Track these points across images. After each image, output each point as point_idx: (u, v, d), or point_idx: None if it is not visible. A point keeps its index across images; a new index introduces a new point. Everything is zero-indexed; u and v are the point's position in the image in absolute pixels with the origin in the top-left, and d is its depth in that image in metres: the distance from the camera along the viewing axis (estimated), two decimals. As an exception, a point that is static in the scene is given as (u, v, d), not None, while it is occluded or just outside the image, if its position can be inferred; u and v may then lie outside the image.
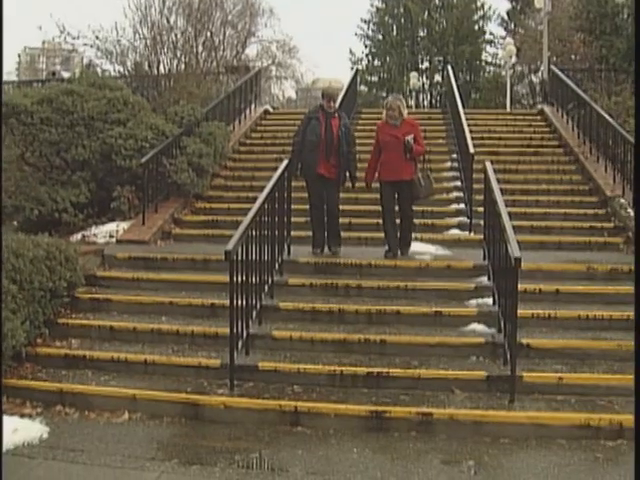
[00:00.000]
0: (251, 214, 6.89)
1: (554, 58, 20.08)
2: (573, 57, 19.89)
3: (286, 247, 8.46)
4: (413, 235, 9.68)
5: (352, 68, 32.86)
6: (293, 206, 8.99)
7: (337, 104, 9.11)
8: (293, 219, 8.87)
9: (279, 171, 8.21)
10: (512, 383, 5.80)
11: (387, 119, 8.71)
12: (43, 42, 39.66)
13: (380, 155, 8.75)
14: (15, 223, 10.87)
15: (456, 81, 15.92)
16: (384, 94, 37.31)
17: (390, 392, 5.95)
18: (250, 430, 5.60)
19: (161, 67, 18.36)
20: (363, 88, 36.71)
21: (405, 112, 8.73)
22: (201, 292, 7.80)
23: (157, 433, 5.62)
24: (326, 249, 8.91)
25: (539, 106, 16.84)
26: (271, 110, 17.55)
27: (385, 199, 8.74)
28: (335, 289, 7.65)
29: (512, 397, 5.76)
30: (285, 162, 8.64)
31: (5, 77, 24.74)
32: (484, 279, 7.73)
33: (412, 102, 35.85)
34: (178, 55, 18.90)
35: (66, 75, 19.27)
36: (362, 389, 5.97)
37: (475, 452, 5.20)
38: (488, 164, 8.56)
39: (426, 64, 39.53)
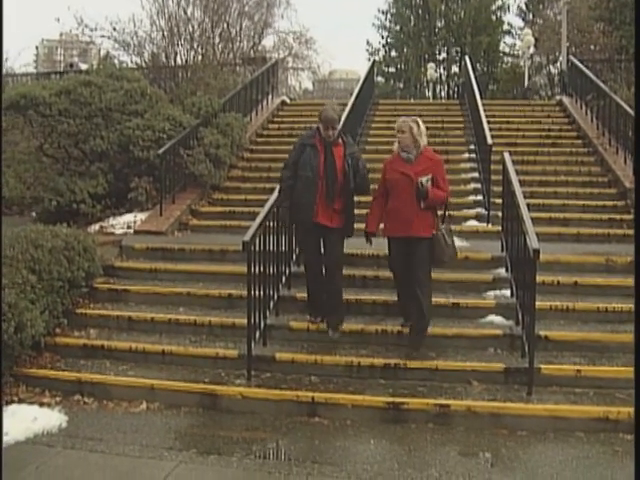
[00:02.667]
0: (268, 205, 6.91)
1: (573, 49, 19.93)
2: (592, 47, 19.74)
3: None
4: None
5: (369, 59, 32.82)
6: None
7: (338, 129, 6.71)
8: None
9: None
10: (530, 375, 5.78)
11: (399, 150, 6.57)
12: (61, 34, 39.80)
13: (387, 200, 6.59)
14: (34, 214, 10.95)
15: (474, 72, 15.82)
16: (401, 85, 37.25)
17: (407, 383, 5.95)
18: (267, 420, 5.62)
19: (178, 58, 18.43)
20: (380, 79, 36.62)
21: (423, 140, 6.44)
22: (218, 283, 7.82)
23: (175, 423, 5.65)
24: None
25: (558, 97, 16.71)
26: (288, 101, 17.52)
27: (393, 263, 6.61)
28: (352, 280, 7.63)
29: (530, 389, 5.74)
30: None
31: (23, 69, 24.91)
32: (502, 271, 7.69)
33: (429, 93, 35.71)
34: (195, 46, 18.93)
35: (84, 67, 19.32)
36: (379, 380, 5.97)
37: (492, 444, 5.19)
38: (506, 155, 8.51)
39: (443, 55, 39.34)
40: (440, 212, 6.59)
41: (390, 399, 5.62)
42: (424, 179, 6.21)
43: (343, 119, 11.34)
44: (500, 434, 5.33)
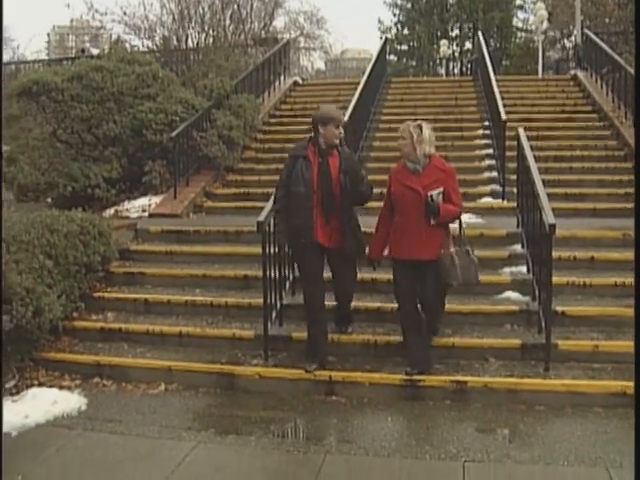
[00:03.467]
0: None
1: (587, 22, 19.68)
2: (607, 20, 19.49)
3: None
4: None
5: (381, 38, 32.56)
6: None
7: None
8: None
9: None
10: (547, 351, 5.76)
11: (404, 159, 5.74)
12: (71, 20, 39.80)
13: (392, 216, 5.79)
14: (49, 200, 11.00)
15: (487, 48, 15.67)
16: (414, 63, 37.00)
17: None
18: (285, 400, 5.65)
19: (189, 41, 18.39)
20: (392, 57, 36.37)
21: (427, 148, 5.56)
22: (234, 264, 7.83)
23: (193, 404, 5.68)
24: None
25: (572, 71, 16.52)
26: (300, 81, 17.44)
27: (399, 289, 5.81)
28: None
29: (547, 365, 5.72)
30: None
31: (35, 56, 24.98)
32: (518, 247, 7.65)
33: (442, 70, 35.44)
34: (206, 29, 18.89)
35: (95, 52, 19.33)
36: (396, 358, 5.96)
37: (510, 420, 5.19)
38: (521, 130, 8.44)
39: (456, 31, 38.97)
40: (454, 229, 5.81)
41: (407, 376, 5.62)
42: (434, 193, 5.44)
43: (356, 98, 11.33)
44: (518, 410, 5.33)
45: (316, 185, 5.76)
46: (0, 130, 7.84)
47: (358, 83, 12.61)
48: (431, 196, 5.44)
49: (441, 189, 5.49)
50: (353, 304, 6.40)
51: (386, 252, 5.87)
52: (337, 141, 5.85)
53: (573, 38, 21.38)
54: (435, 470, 4.50)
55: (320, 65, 37.64)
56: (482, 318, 6.45)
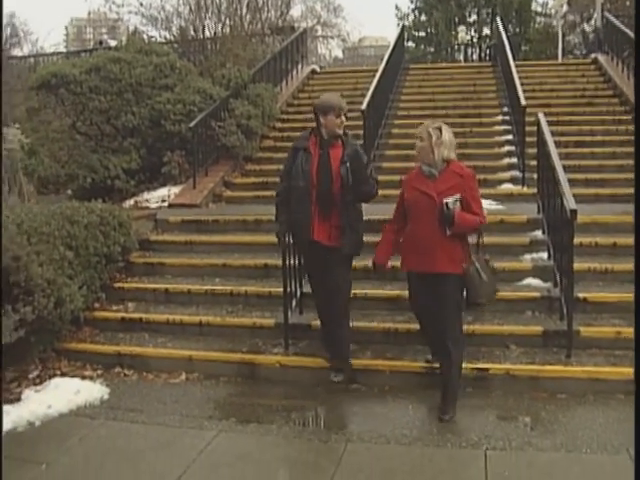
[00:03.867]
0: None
1: (607, 5, 19.44)
2: (628, 3, 19.23)
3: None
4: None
5: (398, 24, 32.36)
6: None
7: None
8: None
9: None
10: (569, 338, 5.72)
11: (420, 163, 5.25)
12: (89, 12, 40.00)
13: (404, 223, 5.32)
14: (69, 191, 11.07)
15: (505, 33, 15.53)
16: (432, 49, 36.76)
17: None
18: (306, 388, 5.65)
19: (206, 31, 18.39)
20: (410, 44, 36.13)
21: (446, 152, 5.08)
22: (254, 253, 7.83)
23: (214, 393, 5.70)
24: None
25: (592, 55, 16.34)
26: (318, 70, 17.39)
27: (414, 305, 5.46)
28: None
29: (569, 352, 5.69)
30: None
31: (53, 49, 25.07)
32: (538, 233, 7.59)
33: (461, 57, 35.17)
34: (222, 19, 18.89)
35: (113, 43, 19.39)
36: (417, 346, 5.94)
37: (532, 408, 5.16)
38: (541, 116, 8.36)
39: (474, 17, 38.57)
40: (472, 240, 5.26)
41: (428, 364, 5.60)
42: (450, 200, 4.93)
43: (374, 85, 11.28)
44: (539, 397, 5.30)
45: (315, 179, 5.42)
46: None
47: (376, 70, 12.56)
48: (446, 204, 4.92)
49: (458, 196, 4.97)
50: (373, 292, 6.35)
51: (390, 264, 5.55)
52: (339, 131, 5.46)
53: (593, 21, 21.11)
54: (456, 458, 4.48)
55: (338, 53, 37.54)
56: (503, 305, 6.41)
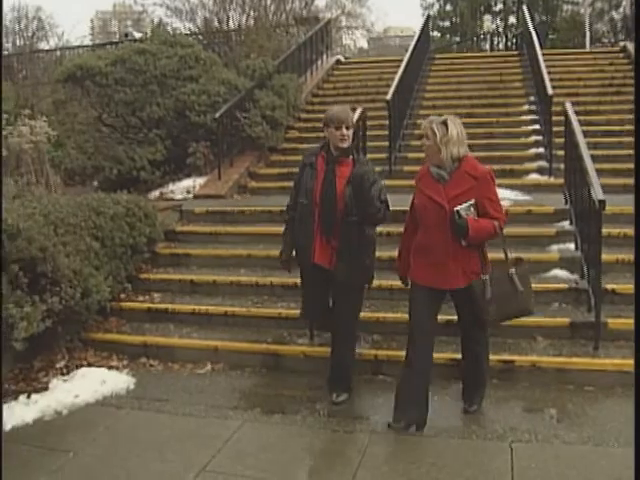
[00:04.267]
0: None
1: (637, -8, 19.13)
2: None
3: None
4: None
5: (423, 14, 32.17)
6: (370, 156, 8.89)
7: (351, 136, 5.08)
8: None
9: (355, 119, 8.11)
10: (597, 330, 5.66)
11: (428, 163, 4.71)
12: (114, 5, 40.20)
13: (414, 230, 4.82)
14: (95, 183, 11.14)
15: (532, 21, 15.37)
16: (457, 39, 36.52)
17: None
18: (330, 379, 5.64)
19: (230, 22, 18.39)
20: (435, 34, 35.91)
21: (459, 149, 4.54)
22: (279, 244, 7.77)
23: (239, 383, 5.72)
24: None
25: (621, 43, 16.12)
26: (343, 60, 17.33)
27: (417, 322, 4.76)
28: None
29: (597, 344, 5.63)
30: (359, 110, 8.46)
31: (79, 42, 25.22)
32: (566, 224, 7.52)
33: (487, 46, 34.90)
34: (247, 10, 18.87)
35: (138, 36, 19.48)
36: (442, 337, 5.89)
37: (558, 400, 5.11)
38: (568, 105, 8.27)
39: (500, 6, 38.20)
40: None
41: (453, 355, 5.57)
42: (463, 207, 4.42)
43: (399, 75, 11.21)
44: (566, 390, 5.25)
45: (319, 197, 5.04)
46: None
47: (401, 60, 12.49)
48: (458, 212, 4.42)
49: (472, 201, 4.45)
50: (398, 284, 6.32)
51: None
52: (342, 145, 5.02)
53: (622, 9, 20.83)
54: (482, 450, 4.46)
55: (363, 44, 37.36)
56: (529, 296, 6.36)
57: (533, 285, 6.25)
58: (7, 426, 5.02)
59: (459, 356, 5.44)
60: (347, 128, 5.01)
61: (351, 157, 5.11)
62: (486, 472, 4.18)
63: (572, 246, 7.01)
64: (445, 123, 4.49)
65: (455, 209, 4.42)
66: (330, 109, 5.30)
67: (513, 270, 4.65)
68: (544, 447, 4.43)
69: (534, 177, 9.63)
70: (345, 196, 4.96)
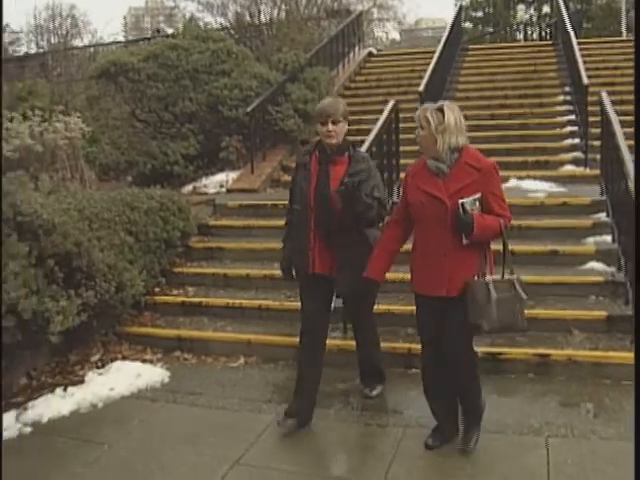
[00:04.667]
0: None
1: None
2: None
3: (395, 189, 8.35)
4: (525, 172, 9.29)
5: (455, 5, 31.88)
6: (403, 148, 8.85)
7: (341, 131, 4.61)
8: (401, 161, 8.73)
9: (385, 113, 8.08)
10: (635, 323, 5.56)
11: (425, 156, 4.21)
12: (146, 2, 40.45)
13: (401, 226, 4.36)
14: (129, 178, 11.24)
15: (566, 10, 15.16)
16: (490, 29, 36.16)
17: (506, 333, 5.82)
18: (364, 373, 5.62)
19: (262, 16, 18.38)
20: (468, 25, 35.59)
21: (458, 138, 4.06)
22: (311, 237, 7.81)
23: (272, 377, 5.73)
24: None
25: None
26: (375, 52, 17.26)
27: (425, 332, 4.38)
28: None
29: (634, 338, 5.53)
30: (391, 103, 8.42)
31: (112, 38, 25.43)
32: (602, 215, 7.40)
33: (520, 36, 34.52)
34: (278, 3, 18.85)
35: (170, 31, 19.59)
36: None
37: (595, 394, 5.03)
38: (604, 94, 8.14)
39: (533, -5, 37.83)
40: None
41: (489, 349, 5.51)
42: (468, 201, 3.99)
43: (431, 67, 11.14)
44: (602, 384, 5.17)
45: (313, 201, 4.58)
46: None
47: (433, 52, 12.41)
48: (462, 205, 3.97)
49: (477, 195, 4.02)
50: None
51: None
52: (330, 141, 4.57)
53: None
54: (517, 445, 4.40)
55: (395, 36, 37.17)
56: (566, 289, 6.28)
57: (569, 278, 6.20)
58: (44, 418, 5.09)
59: (495, 350, 5.41)
60: (334, 123, 4.54)
61: (347, 154, 4.63)
62: (521, 467, 4.13)
63: (609, 238, 6.91)
64: (441, 110, 4.05)
65: (460, 202, 3.97)
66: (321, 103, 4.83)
67: (516, 276, 4.14)
68: (580, 442, 4.36)
69: (569, 168, 9.51)
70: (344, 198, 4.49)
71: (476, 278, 4.06)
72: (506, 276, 4.12)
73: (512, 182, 8.94)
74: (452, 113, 4.04)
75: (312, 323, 4.78)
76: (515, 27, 34.52)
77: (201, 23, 18.15)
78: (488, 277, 4.07)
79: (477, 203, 4.03)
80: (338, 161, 4.60)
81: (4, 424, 4.97)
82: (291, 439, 4.61)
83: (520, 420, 4.71)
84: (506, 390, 5.19)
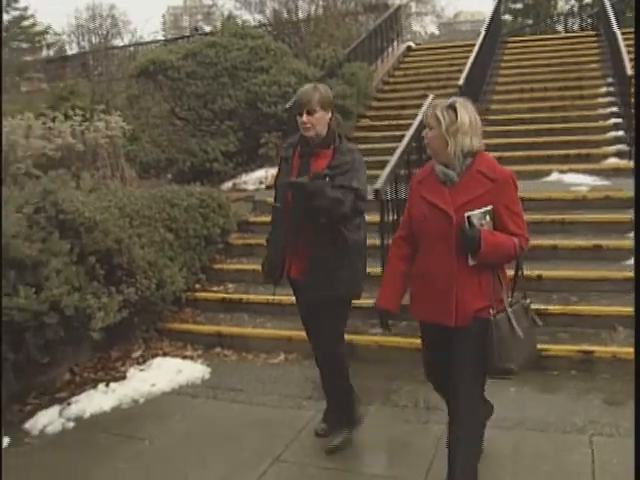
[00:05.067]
0: (398, 152, 6.80)
1: None
2: None
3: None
4: (567, 166, 9.14)
5: (495, -3, 31.55)
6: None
7: (319, 122, 4.06)
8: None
9: (424, 108, 8.00)
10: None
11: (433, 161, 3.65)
12: (185, 0, 40.72)
13: (410, 245, 3.73)
14: (169, 175, 11.33)
15: (608, 0, 14.88)
16: (530, 21, 35.73)
17: (548, 329, 5.71)
18: (405, 369, 5.57)
19: (299, 13, 18.39)
20: (507, 17, 35.19)
21: (472, 141, 3.46)
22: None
23: (312, 373, 5.69)
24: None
25: None
26: (414, 46, 17.14)
27: (425, 358, 3.92)
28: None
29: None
30: (430, 97, 8.36)
31: (151, 37, 25.65)
32: (647, 209, 7.25)
33: (561, 27, 34.03)
34: (315, -1, 18.82)
35: (208, 29, 19.70)
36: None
37: (641, 392, 4.94)
38: (649, 86, 7.97)
39: (575, -15, 37.26)
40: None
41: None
42: (476, 214, 3.39)
43: (471, 60, 11.02)
44: (649, 381, 5.07)
45: (291, 198, 4.09)
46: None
47: (472, 45, 12.29)
48: (469, 219, 3.38)
49: (488, 208, 3.41)
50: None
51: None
52: (307, 133, 4.08)
53: None
54: (561, 443, 4.34)
55: (433, 30, 36.96)
56: (609, 285, 6.16)
57: (613, 273, 6.06)
58: (86, 413, 5.17)
59: (538, 346, 5.31)
60: (309, 113, 4.04)
61: (332, 147, 4.11)
62: (565, 466, 4.06)
63: (654, 232, 6.76)
64: (453, 107, 3.45)
65: (466, 214, 3.38)
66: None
67: (528, 301, 3.64)
68: (626, 442, 4.26)
69: (613, 161, 9.33)
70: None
71: (492, 311, 3.41)
72: (516, 300, 3.60)
73: (554, 176, 8.82)
74: (466, 111, 3.46)
75: (307, 332, 4.50)
76: (556, 18, 34.03)
77: (239, 21, 18.25)
78: (508, 309, 3.47)
79: (488, 217, 3.42)
80: (321, 154, 4.09)
81: (47, 419, 5.08)
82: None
83: (563, 418, 4.64)
84: (549, 387, 5.13)
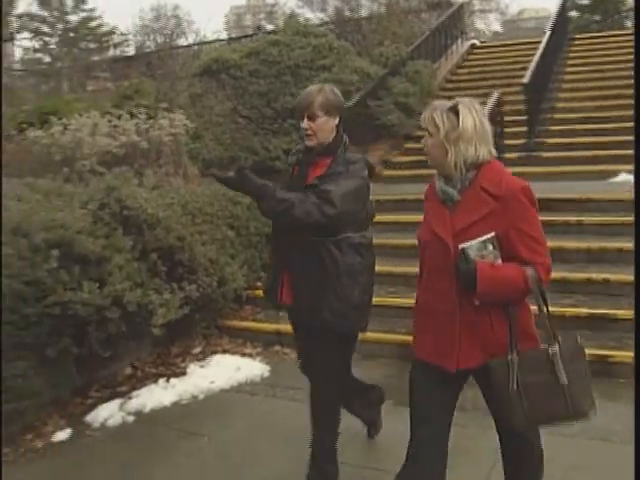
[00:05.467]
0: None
1: None
2: None
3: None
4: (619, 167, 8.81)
5: (562, -7, 30.94)
6: (508, 142, 8.61)
7: (322, 128, 3.59)
8: (506, 155, 8.50)
9: (489, 106, 7.89)
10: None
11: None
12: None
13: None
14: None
15: (683, -5, 14.42)
16: (597, 17, 34.91)
17: (615, 335, 5.57)
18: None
19: (362, 11, 18.35)
20: (573, 13, 34.48)
21: (478, 150, 2.83)
22: (411, 232, 7.69)
23: (372, 374, 5.65)
24: None
25: None
26: (478, 44, 16.93)
27: (413, 400, 3.20)
28: (552, 226, 7.26)
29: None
30: (495, 95, 8.23)
31: (215, 36, 25.91)
32: None
33: (629, 23, 33.17)
34: (377, -3, 18.76)
35: (269, 28, 19.82)
36: (584, 331, 5.61)
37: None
38: None
39: (645, -20, 36.25)
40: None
41: (596, 351, 5.28)
42: (473, 245, 2.79)
43: (537, 58, 10.81)
44: None
45: None
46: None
47: (537, 43, 12.07)
48: (463, 251, 2.79)
49: (489, 236, 2.78)
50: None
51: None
52: (308, 142, 3.63)
53: None
54: (625, 454, 4.17)
55: (496, 27, 36.44)
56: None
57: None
58: (146, 408, 5.24)
59: (602, 352, 5.18)
60: (310, 118, 3.59)
61: (333, 155, 3.63)
62: (630, 477, 3.92)
63: None
64: (455, 110, 2.88)
65: (460, 247, 2.80)
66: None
67: (556, 348, 2.85)
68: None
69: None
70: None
71: (492, 360, 2.84)
72: (542, 345, 2.88)
73: (622, 176, 8.61)
74: (470, 114, 2.87)
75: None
76: (625, 14, 33.17)
77: (301, 19, 18.31)
78: (509, 355, 2.79)
79: (490, 246, 2.79)
80: (320, 163, 3.62)
81: (108, 412, 5.17)
82: (388, 439, 4.55)
83: (629, 425, 4.48)
84: (613, 394, 4.97)
